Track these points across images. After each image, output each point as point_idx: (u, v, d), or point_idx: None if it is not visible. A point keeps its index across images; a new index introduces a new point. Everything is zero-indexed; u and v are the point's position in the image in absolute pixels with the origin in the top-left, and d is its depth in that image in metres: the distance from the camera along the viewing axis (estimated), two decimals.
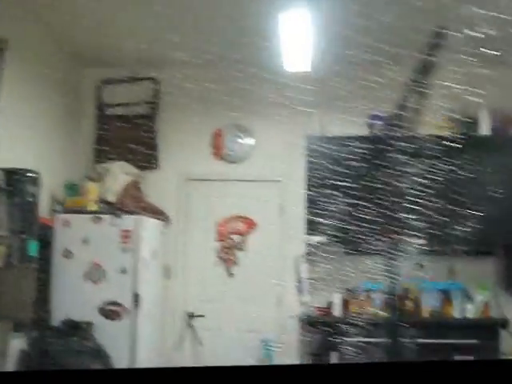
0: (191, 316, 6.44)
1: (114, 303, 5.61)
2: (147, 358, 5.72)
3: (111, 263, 5.65)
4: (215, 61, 6.21)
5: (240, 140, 6.64)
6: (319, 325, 6.24)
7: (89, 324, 5.50)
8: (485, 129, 6.42)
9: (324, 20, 4.96)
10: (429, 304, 6.22)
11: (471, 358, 5.77)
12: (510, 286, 6.31)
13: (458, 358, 5.71)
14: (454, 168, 6.20)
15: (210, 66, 6.33)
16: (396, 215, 6.11)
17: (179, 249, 6.63)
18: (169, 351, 6.29)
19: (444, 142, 6.37)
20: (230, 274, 6.57)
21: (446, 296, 6.22)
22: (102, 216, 5.75)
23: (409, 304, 6.20)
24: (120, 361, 5.38)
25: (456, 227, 6.03)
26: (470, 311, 6.16)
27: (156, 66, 6.54)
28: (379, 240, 6.17)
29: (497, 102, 6.37)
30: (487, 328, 6.11)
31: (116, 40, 6.05)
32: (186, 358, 6.27)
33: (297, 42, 5.24)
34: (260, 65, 5.85)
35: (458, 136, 6.40)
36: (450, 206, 6.14)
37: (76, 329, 5.40)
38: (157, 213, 6.39)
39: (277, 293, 6.44)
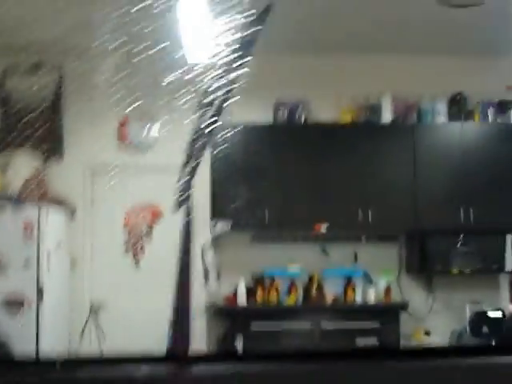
0: (98, 306, 6.40)
1: (17, 296, 5.52)
2: (51, 350, 5.65)
3: (14, 255, 5.54)
4: (120, 49, 6.16)
5: (146, 129, 6.62)
6: (225, 312, 6.33)
7: None
8: (387, 115, 6.59)
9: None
10: (332, 289, 6.38)
11: (374, 341, 5.99)
12: (412, 269, 6.54)
13: (360, 341, 5.91)
14: (355, 154, 6.38)
15: (116, 54, 6.27)
16: (301, 203, 6.25)
17: (86, 239, 6.57)
18: (74, 342, 6.23)
19: (346, 129, 6.55)
20: (138, 264, 6.56)
21: (348, 281, 6.39)
22: (3, 207, 5.64)
23: (313, 290, 6.34)
24: (23, 354, 5.30)
25: (359, 213, 6.22)
26: (373, 295, 6.36)
27: (60, 53, 6.42)
28: (285, 226, 6.30)
29: (399, 90, 6.58)
30: (388, 311, 6.34)
31: (19, 26, 5.91)
32: (91, 349, 6.22)
33: (198, 31, 5.25)
34: (164, 53, 5.84)
35: (361, 123, 6.60)
36: (355, 192, 6.33)
37: None
38: (61, 203, 6.30)
39: None
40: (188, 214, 1.28)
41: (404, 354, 1.40)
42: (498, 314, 5.87)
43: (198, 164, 1.30)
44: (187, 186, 1.27)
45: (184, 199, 1.26)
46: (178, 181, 1.30)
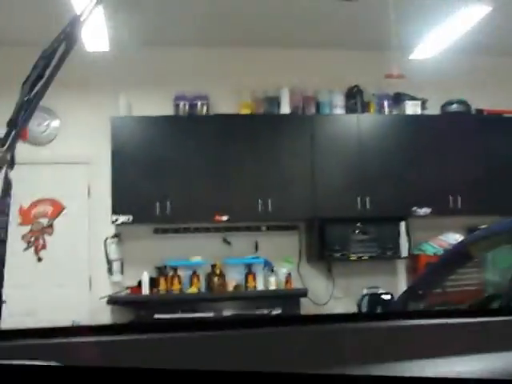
0: None
1: None
2: None
3: None
4: (16, 41, 6.10)
5: (45, 122, 6.55)
6: (130, 304, 6.35)
7: None
8: (286, 108, 6.73)
9: None
10: (234, 278, 6.49)
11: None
12: (312, 256, 6.71)
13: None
14: (255, 145, 6.51)
15: (12, 47, 6.21)
16: (202, 194, 6.32)
17: None
18: None
19: (246, 121, 6.66)
20: (39, 259, 6.50)
21: (249, 270, 6.51)
22: None
23: (215, 279, 6.44)
24: None
25: (259, 203, 6.35)
26: (273, 283, 6.50)
27: None
28: (187, 218, 6.37)
29: (297, 83, 6.74)
30: (289, 298, 6.50)
31: None
32: None
33: (92, 19, 5.23)
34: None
35: (261, 114, 6.72)
36: (255, 183, 6.45)
37: None
38: None
39: (87, 274, 6.45)
40: (5, 174, 1.24)
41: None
42: (388, 297, 6.09)
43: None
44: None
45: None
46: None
